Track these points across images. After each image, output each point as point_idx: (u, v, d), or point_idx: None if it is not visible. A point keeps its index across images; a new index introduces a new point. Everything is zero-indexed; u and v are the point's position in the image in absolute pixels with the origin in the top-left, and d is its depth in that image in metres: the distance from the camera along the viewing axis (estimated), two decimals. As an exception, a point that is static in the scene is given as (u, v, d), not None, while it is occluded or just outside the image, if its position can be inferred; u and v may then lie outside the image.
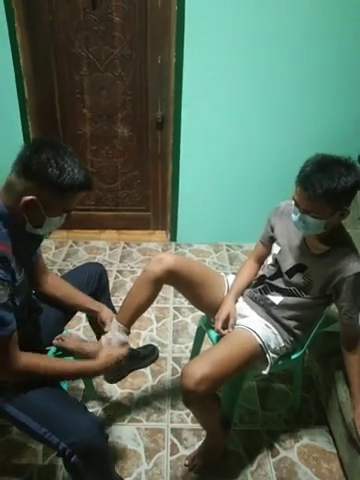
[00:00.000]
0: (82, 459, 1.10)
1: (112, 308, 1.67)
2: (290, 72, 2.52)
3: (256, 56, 2.47)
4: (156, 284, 1.51)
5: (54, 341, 1.41)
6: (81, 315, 2.06)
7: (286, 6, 2.35)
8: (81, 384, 1.82)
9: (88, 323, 1.76)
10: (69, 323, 1.98)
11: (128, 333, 1.50)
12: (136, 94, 2.72)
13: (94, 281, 1.60)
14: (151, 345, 2.06)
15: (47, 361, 1.19)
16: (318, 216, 1.26)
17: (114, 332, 1.45)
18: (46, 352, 1.45)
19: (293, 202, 1.32)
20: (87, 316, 1.69)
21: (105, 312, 1.52)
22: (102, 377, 1.87)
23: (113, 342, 1.43)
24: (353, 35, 2.44)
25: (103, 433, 1.18)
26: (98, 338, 1.62)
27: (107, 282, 1.70)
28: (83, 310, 1.55)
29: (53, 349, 1.45)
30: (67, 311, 1.52)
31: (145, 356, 1.98)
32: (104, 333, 1.48)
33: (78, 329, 2.17)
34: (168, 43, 2.53)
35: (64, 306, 1.48)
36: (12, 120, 2.64)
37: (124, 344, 1.43)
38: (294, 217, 1.32)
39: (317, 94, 2.59)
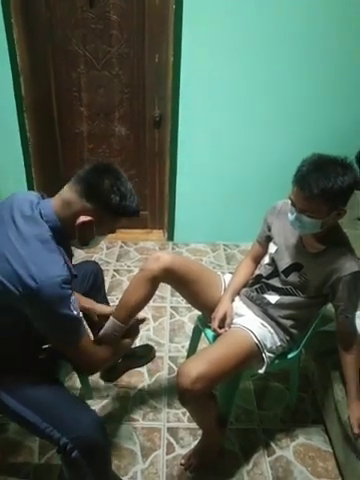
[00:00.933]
0: (83, 455, 1.11)
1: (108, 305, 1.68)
2: (289, 71, 2.52)
3: (254, 55, 2.47)
4: (153, 282, 1.51)
5: None
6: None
7: (286, 5, 2.35)
8: (77, 383, 1.81)
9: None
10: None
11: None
12: (133, 92, 2.71)
13: (89, 280, 1.61)
14: (148, 345, 2.06)
15: (111, 348, 1.33)
16: (314, 216, 1.26)
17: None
18: (44, 351, 1.45)
19: (290, 201, 1.32)
20: (84, 317, 1.68)
21: (99, 307, 1.55)
22: (98, 376, 1.88)
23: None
24: (352, 35, 2.44)
25: (104, 430, 1.19)
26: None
27: (103, 281, 1.71)
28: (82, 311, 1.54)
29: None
30: None
31: (142, 356, 1.98)
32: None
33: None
34: (166, 41, 2.52)
35: None
36: (8, 117, 2.63)
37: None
38: (290, 217, 1.32)
39: (316, 93, 2.59)
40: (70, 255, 1.22)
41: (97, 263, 1.72)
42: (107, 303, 1.73)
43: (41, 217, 1.11)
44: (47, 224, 1.10)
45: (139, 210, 1.22)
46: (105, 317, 1.54)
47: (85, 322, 1.63)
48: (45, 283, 1.01)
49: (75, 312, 1.10)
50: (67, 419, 1.12)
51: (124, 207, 1.15)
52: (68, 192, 1.14)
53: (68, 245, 1.20)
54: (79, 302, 1.50)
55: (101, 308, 1.57)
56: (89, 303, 1.55)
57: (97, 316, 1.56)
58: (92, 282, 1.63)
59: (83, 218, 1.11)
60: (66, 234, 1.15)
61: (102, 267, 1.71)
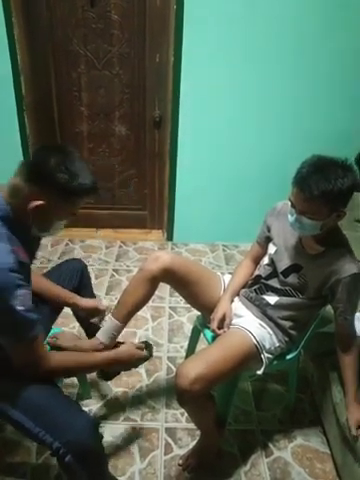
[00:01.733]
0: (76, 459, 1.10)
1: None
2: (289, 71, 2.52)
3: (254, 55, 2.48)
4: (153, 282, 1.51)
5: (49, 340, 1.41)
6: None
7: (285, 5, 2.36)
8: (75, 383, 1.81)
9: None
10: (64, 322, 1.98)
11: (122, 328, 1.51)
12: (134, 92, 2.71)
13: (76, 277, 1.62)
14: (146, 342, 2.05)
15: (77, 356, 1.26)
16: (314, 217, 1.26)
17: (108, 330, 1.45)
18: None
19: (289, 203, 1.32)
20: (74, 314, 1.69)
21: (83, 301, 1.53)
22: (96, 376, 1.88)
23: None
24: (352, 36, 2.44)
25: (98, 433, 1.18)
26: (88, 336, 1.63)
27: (89, 278, 1.71)
28: (60, 303, 1.54)
29: (48, 348, 1.44)
30: (53, 308, 1.53)
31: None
32: (92, 329, 1.52)
33: (73, 327, 2.16)
34: (166, 42, 2.52)
35: (43, 300, 1.48)
36: (9, 117, 2.63)
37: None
38: (290, 218, 1.32)
39: (316, 94, 2.59)
40: (30, 244, 1.17)
41: (81, 260, 1.72)
42: (94, 297, 1.73)
43: None
44: None
45: (96, 188, 1.15)
46: (91, 311, 1.55)
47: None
48: None
49: (21, 308, 1.02)
50: (60, 423, 1.10)
51: (75, 186, 1.08)
52: (14, 178, 1.09)
53: (27, 234, 1.14)
54: (63, 298, 1.51)
55: (86, 302, 1.55)
56: (72, 298, 1.52)
57: (84, 310, 1.55)
58: (79, 279, 1.63)
59: (34, 203, 1.06)
60: (21, 223, 1.10)
61: (101, 267, 1.72)
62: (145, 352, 1.41)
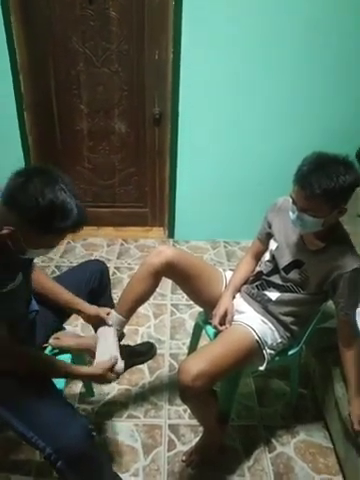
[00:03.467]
0: (68, 465, 1.09)
1: (113, 307, 1.64)
2: (288, 68, 2.52)
3: (254, 52, 2.47)
4: (155, 276, 1.51)
5: (50, 341, 1.41)
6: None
7: (285, 3, 2.34)
8: (79, 381, 1.82)
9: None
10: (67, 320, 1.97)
11: (125, 323, 1.52)
12: (133, 90, 2.71)
13: (95, 279, 1.58)
14: (149, 342, 2.07)
15: (43, 357, 1.23)
16: (316, 215, 1.25)
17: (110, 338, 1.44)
18: (42, 350, 1.45)
19: (290, 199, 1.31)
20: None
21: (88, 308, 1.47)
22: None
23: (109, 341, 1.43)
24: (351, 33, 2.43)
25: (91, 439, 1.16)
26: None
27: (109, 281, 1.68)
28: (66, 308, 1.49)
29: (49, 348, 1.45)
30: (61, 311, 1.50)
31: (143, 353, 1.99)
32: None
33: (76, 326, 2.17)
34: (165, 38, 2.51)
35: (48, 303, 1.45)
36: (8, 115, 2.62)
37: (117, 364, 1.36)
38: (292, 215, 1.32)
39: (316, 91, 2.58)
40: (12, 262, 1.11)
41: (103, 262, 1.67)
42: (111, 302, 1.70)
43: None
44: None
45: (76, 226, 1.01)
46: (92, 318, 1.49)
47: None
48: None
49: None
50: (52, 429, 1.09)
51: (49, 224, 0.96)
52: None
53: (7, 254, 1.07)
54: (70, 304, 1.46)
55: (90, 309, 1.47)
56: (79, 304, 1.47)
57: (85, 316, 1.48)
58: (98, 281, 1.59)
59: (4, 230, 0.97)
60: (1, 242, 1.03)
61: (106, 264, 1.70)
62: (119, 366, 1.33)
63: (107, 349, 1.40)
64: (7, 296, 1.11)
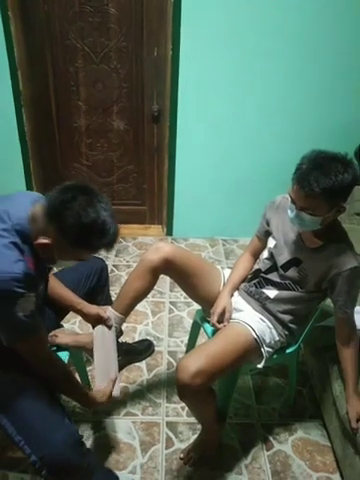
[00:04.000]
0: (52, 474, 1.08)
1: (111, 304, 1.64)
2: (287, 66, 2.51)
3: (253, 50, 2.46)
4: (153, 273, 1.51)
5: (48, 338, 1.41)
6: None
7: (286, 0, 2.33)
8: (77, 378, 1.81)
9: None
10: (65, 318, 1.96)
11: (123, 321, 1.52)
12: (132, 87, 2.70)
13: (94, 275, 1.59)
14: (147, 340, 2.07)
15: (60, 369, 1.23)
16: (314, 213, 1.25)
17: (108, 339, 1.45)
18: None
19: (289, 197, 1.31)
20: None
21: (88, 308, 1.48)
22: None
23: (107, 336, 1.43)
24: (350, 31, 2.42)
25: (79, 447, 1.15)
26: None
27: (107, 278, 1.69)
28: (66, 307, 1.50)
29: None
30: (59, 308, 1.50)
31: (141, 351, 1.99)
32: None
33: (74, 323, 2.17)
34: (164, 35, 2.50)
35: (48, 300, 1.44)
36: (6, 112, 2.61)
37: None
38: (290, 214, 1.32)
39: (314, 88, 2.57)
40: (40, 258, 1.13)
41: (103, 259, 1.68)
42: (110, 300, 1.71)
43: (13, 218, 1.05)
44: (15, 227, 1.04)
45: (110, 245, 1.07)
46: (91, 317, 1.49)
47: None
48: None
49: (21, 313, 1.03)
50: (39, 435, 1.08)
51: (86, 241, 1.02)
52: (38, 206, 1.05)
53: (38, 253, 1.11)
54: (70, 302, 1.47)
55: (89, 308, 1.48)
56: (80, 304, 1.48)
57: (85, 315, 1.49)
58: (97, 278, 1.59)
59: (41, 240, 1.03)
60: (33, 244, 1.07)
61: (105, 262, 1.70)
62: (115, 393, 1.33)
63: (106, 367, 1.38)
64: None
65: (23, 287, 1.01)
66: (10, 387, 1.15)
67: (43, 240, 1.03)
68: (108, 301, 1.68)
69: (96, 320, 1.49)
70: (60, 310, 1.52)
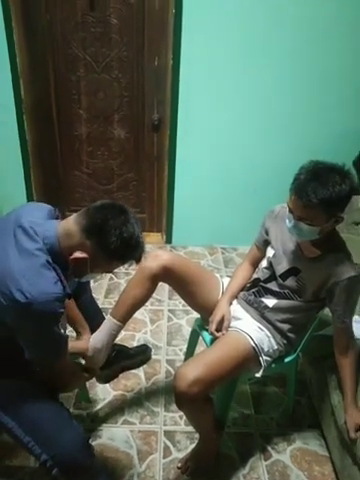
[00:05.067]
0: (63, 472, 1.09)
1: (94, 309, 1.70)
2: (289, 75, 2.53)
3: (254, 59, 2.49)
4: (152, 280, 1.51)
5: None
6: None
7: (285, 9, 2.37)
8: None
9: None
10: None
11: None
12: (133, 96, 2.72)
13: (74, 281, 1.61)
14: (144, 344, 2.06)
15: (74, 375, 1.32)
16: (312, 223, 1.26)
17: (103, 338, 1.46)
18: None
19: (287, 208, 1.32)
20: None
21: (87, 336, 1.53)
22: (95, 379, 1.87)
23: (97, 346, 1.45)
24: (352, 39, 2.45)
25: (87, 447, 1.17)
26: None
27: (88, 282, 1.72)
28: (71, 326, 1.55)
29: None
30: None
31: (136, 353, 1.97)
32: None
33: (71, 330, 2.16)
34: (165, 45, 2.53)
35: None
36: (8, 119, 2.63)
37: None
38: (288, 224, 1.32)
39: (315, 98, 2.60)
40: (68, 275, 1.17)
41: None
42: (95, 304, 1.75)
43: (40, 236, 1.08)
44: (45, 245, 1.07)
45: (140, 258, 1.17)
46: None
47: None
48: (36, 299, 0.98)
49: (62, 330, 1.10)
50: (48, 436, 1.10)
51: (123, 254, 1.10)
52: (72, 223, 1.10)
53: (66, 269, 1.14)
54: (77, 324, 1.54)
55: (84, 328, 1.55)
56: (85, 330, 1.55)
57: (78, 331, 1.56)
58: (78, 283, 1.62)
59: (78, 254, 1.07)
60: (64, 259, 1.10)
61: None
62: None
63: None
64: None
65: (63, 306, 1.06)
66: (14, 390, 1.16)
67: (81, 255, 1.07)
68: (92, 301, 1.72)
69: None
70: None
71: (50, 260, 1.07)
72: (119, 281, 2.62)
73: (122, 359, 1.90)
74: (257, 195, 2.83)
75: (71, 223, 1.10)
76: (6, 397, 1.15)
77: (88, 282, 1.71)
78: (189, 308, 1.75)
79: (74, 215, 1.12)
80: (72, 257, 1.07)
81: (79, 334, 1.56)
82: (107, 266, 1.16)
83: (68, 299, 1.14)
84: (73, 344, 1.46)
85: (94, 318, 1.59)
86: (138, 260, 1.17)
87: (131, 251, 1.12)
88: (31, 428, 1.11)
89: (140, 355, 1.99)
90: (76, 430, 1.15)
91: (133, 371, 1.96)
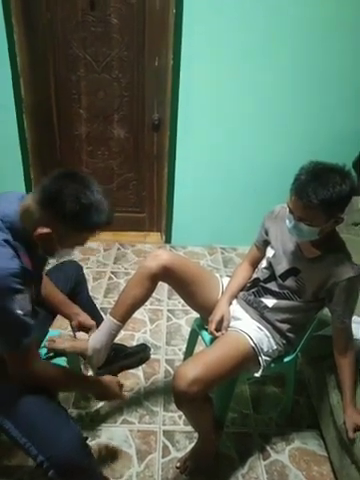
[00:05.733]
0: (60, 474, 1.08)
1: (92, 307, 1.70)
2: (289, 75, 2.54)
3: (254, 60, 2.49)
4: (152, 280, 1.51)
5: (46, 343, 1.41)
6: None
7: (286, 10, 2.37)
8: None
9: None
10: (61, 324, 1.98)
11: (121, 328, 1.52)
12: (133, 96, 2.72)
13: (72, 279, 1.62)
14: (142, 344, 2.06)
15: (61, 372, 1.24)
16: (312, 224, 1.26)
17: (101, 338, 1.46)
18: None
19: (287, 208, 1.32)
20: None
21: (82, 316, 1.51)
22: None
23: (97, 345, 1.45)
24: (351, 42, 2.46)
25: (84, 448, 1.16)
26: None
27: (85, 281, 1.72)
28: (61, 314, 1.53)
29: (44, 351, 1.45)
30: (49, 312, 1.51)
31: (134, 352, 1.97)
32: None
33: (65, 328, 2.16)
34: (165, 45, 2.53)
35: (45, 305, 1.46)
36: (8, 119, 2.63)
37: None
38: (288, 224, 1.33)
39: (315, 98, 2.61)
40: (37, 255, 1.16)
41: (77, 262, 1.73)
42: (92, 302, 1.75)
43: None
44: (4, 224, 1.05)
45: (110, 222, 1.12)
46: (84, 327, 1.51)
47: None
48: None
49: (26, 317, 1.04)
50: (45, 437, 1.09)
51: (85, 220, 1.06)
52: (30, 199, 1.07)
53: (34, 247, 1.12)
54: (67, 309, 1.50)
55: (85, 318, 1.51)
56: (77, 314, 1.51)
57: (78, 325, 1.51)
58: (75, 282, 1.63)
59: (40, 230, 1.05)
60: (30, 238, 1.08)
61: (99, 269, 1.73)
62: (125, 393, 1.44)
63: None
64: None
65: (21, 283, 1.03)
66: (10, 392, 1.15)
67: (43, 230, 1.05)
68: (89, 300, 1.72)
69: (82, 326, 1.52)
70: (49, 312, 1.53)
71: (10, 238, 1.05)
72: (118, 281, 2.63)
73: (121, 358, 1.90)
74: (257, 195, 2.83)
75: (29, 200, 1.08)
76: (3, 398, 1.15)
77: (84, 282, 1.70)
78: (188, 308, 1.75)
79: (30, 193, 1.10)
80: (36, 233, 1.05)
81: (70, 319, 1.52)
82: (75, 237, 1.12)
83: (33, 279, 1.10)
84: (73, 344, 1.46)
85: (92, 318, 1.59)
86: (106, 226, 1.12)
87: (93, 217, 1.06)
88: (27, 429, 1.10)
89: (139, 354, 1.99)
90: (73, 431, 1.13)
91: (132, 371, 1.96)
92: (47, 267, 1.47)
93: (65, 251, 1.17)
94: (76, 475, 1.13)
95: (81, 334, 1.48)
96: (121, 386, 1.42)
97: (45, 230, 1.05)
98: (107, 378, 1.37)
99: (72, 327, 1.54)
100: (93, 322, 1.52)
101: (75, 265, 1.71)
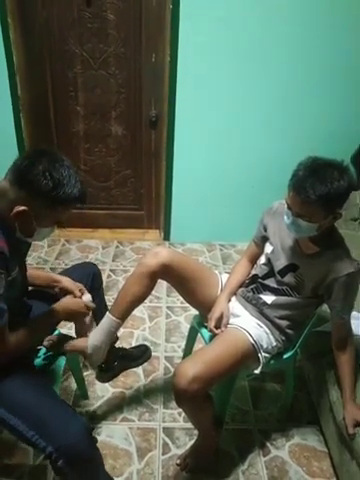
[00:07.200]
0: (68, 464, 1.09)
1: (105, 308, 1.66)
2: (285, 71, 2.53)
3: (251, 55, 2.48)
4: (151, 277, 1.50)
5: (45, 343, 1.41)
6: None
7: (284, 6, 2.36)
8: (73, 384, 1.81)
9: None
10: (61, 323, 1.97)
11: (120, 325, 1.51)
12: (130, 92, 2.71)
13: (87, 281, 1.59)
14: (143, 345, 2.06)
15: (25, 331, 1.19)
16: (311, 220, 1.26)
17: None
18: (37, 352, 1.45)
19: (286, 204, 1.32)
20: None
21: (65, 281, 1.46)
22: (94, 377, 1.88)
23: None
24: (349, 36, 2.44)
25: (91, 438, 1.17)
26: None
27: (101, 283, 1.70)
28: (46, 285, 1.49)
29: (43, 349, 1.45)
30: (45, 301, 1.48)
31: (137, 357, 1.98)
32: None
33: (70, 328, 2.16)
34: (162, 41, 2.52)
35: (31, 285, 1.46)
36: (4, 117, 2.62)
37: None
38: (287, 220, 1.32)
39: (312, 94, 2.59)
40: (15, 240, 1.15)
41: (95, 265, 1.70)
42: (105, 306, 1.71)
43: None
44: None
45: (84, 197, 1.13)
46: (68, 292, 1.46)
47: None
48: None
49: None
50: (53, 428, 1.10)
51: (59, 194, 1.07)
52: (4, 181, 1.09)
53: (11, 231, 1.13)
54: (50, 281, 1.47)
55: (68, 283, 1.46)
56: (60, 281, 1.47)
57: (59, 289, 1.47)
58: (90, 284, 1.59)
59: (17, 208, 1.06)
60: (6, 221, 1.10)
61: (98, 267, 1.71)
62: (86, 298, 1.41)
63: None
64: (10, 285, 1.12)
65: None
66: (15, 387, 1.15)
67: (19, 208, 1.06)
68: (102, 305, 1.69)
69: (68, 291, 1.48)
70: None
71: None
72: (117, 278, 2.62)
73: (124, 363, 1.91)
74: (255, 192, 2.83)
75: (3, 182, 1.09)
76: (7, 393, 1.15)
77: (100, 287, 1.68)
78: (187, 305, 1.75)
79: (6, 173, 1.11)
80: (13, 213, 1.06)
81: (58, 291, 1.46)
82: (52, 214, 1.13)
83: (8, 262, 1.09)
84: (72, 343, 1.46)
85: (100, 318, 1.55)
86: (82, 200, 1.13)
87: (67, 190, 1.08)
88: (35, 422, 1.11)
89: (141, 357, 1.99)
90: (80, 421, 1.15)
91: (132, 369, 1.96)
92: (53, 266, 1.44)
93: (43, 231, 1.17)
94: (83, 464, 1.14)
95: (86, 297, 1.44)
96: (82, 293, 1.42)
97: (21, 208, 1.06)
98: (64, 299, 1.37)
99: (57, 294, 1.49)
100: (78, 284, 1.47)
101: (91, 267, 1.69)
